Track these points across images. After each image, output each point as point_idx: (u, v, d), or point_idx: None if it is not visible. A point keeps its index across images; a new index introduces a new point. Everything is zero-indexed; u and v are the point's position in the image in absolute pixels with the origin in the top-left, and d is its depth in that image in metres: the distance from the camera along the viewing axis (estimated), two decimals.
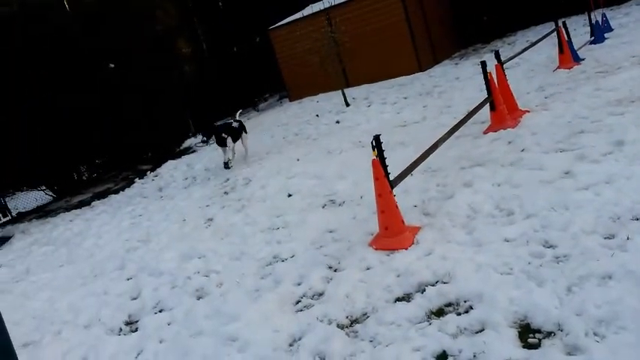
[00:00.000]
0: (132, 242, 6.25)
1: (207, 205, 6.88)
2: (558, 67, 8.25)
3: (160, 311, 4.22)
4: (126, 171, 12.25)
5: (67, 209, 9.91)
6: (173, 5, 16.94)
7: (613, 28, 10.12)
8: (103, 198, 9.81)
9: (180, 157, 11.37)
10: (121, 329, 4.17)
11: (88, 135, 10.93)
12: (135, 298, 4.61)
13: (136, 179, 10.40)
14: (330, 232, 4.69)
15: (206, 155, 10.42)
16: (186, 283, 4.57)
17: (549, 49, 9.56)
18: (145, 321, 4.11)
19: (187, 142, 13.80)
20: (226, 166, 8.28)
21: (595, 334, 2.46)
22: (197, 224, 6.18)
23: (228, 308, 3.83)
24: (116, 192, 9.99)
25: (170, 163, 10.78)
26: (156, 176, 10.21)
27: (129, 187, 10.07)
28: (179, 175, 9.49)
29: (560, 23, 8.43)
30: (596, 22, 9.65)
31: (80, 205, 9.92)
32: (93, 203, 9.56)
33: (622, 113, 5.19)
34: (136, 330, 4.05)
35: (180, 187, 8.59)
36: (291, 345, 3.20)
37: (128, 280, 5.08)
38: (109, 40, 11.16)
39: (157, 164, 11.14)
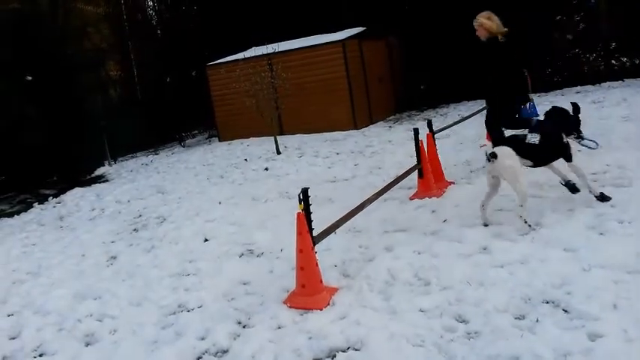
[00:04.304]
0: (19, 274, 5.65)
1: (112, 242, 6.40)
2: (485, 145, 8.63)
3: (41, 355, 3.81)
4: (25, 194, 11.12)
5: None
6: (107, 26, 16.46)
7: (539, 113, 10.86)
8: None
9: (90, 185, 10.65)
10: None
11: None
12: (14, 338, 4.13)
13: (36, 204, 9.56)
14: (244, 284, 4.45)
15: (120, 187, 9.81)
16: (75, 326, 4.14)
17: (478, 125, 10.07)
18: None
19: (101, 170, 12.93)
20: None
21: None
22: (98, 261, 5.70)
23: (119, 359, 3.49)
24: (10, 215, 9.10)
25: (77, 191, 10.02)
26: (59, 203, 9.44)
27: (25, 211, 9.23)
28: (85, 205, 8.82)
29: None
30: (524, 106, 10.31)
31: None
32: None
33: (540, 196, 5.38)
34: None
35: (84, 219, 7.95)
36: None
37: (9, 316, 4.56)
38: (29, 49, 10.42)
39: (62, 190, 10.29)
